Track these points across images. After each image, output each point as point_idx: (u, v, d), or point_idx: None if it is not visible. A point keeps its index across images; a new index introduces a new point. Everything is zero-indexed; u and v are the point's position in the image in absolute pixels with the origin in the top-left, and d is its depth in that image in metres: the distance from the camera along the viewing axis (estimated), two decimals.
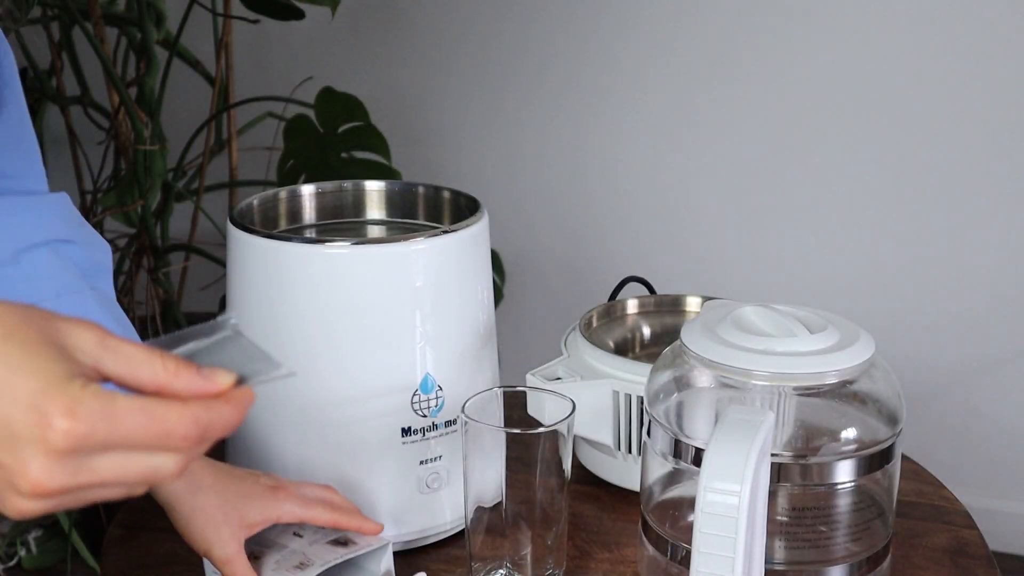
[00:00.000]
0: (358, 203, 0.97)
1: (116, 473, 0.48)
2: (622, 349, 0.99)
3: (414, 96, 2.04)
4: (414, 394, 0.83)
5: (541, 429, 0.77)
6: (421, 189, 0.97)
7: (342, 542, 0.81)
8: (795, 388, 0.73)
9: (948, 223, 1.83)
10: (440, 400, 0.84)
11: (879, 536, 0.78)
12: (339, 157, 1.63)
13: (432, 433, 0.84)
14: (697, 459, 0.72)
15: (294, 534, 0.82)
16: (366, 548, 0.80)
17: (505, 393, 0.82)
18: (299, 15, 1.59)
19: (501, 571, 0.80)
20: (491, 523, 0.79)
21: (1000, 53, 1.73)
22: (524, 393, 0.83)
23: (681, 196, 1.95)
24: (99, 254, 0.82)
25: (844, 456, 0.74)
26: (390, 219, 0.97)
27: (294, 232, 0.94)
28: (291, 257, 0.81)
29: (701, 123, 1.90)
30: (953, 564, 0.86)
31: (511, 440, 0.77)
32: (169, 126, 1.75)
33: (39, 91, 1.88)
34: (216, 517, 0.76)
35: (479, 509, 0.79)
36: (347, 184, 0.97)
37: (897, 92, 1.79)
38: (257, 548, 0.79)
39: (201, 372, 0.49)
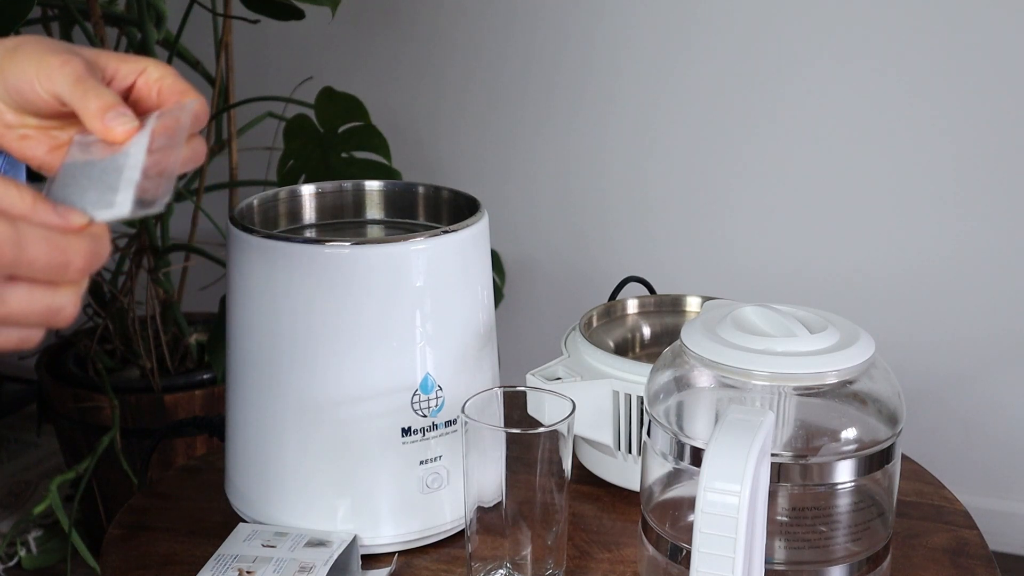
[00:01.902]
0: (358, 203, 0.97)
1: (22, 306, 0.52)
2: (622, 349, 0.99)
3: (414, 96, 2.04)
4: (414, 394, 0.83)
5: (541, 429, 0.77)
6: (421, 189, 0.97)
7: (315, 543, 0.82)
8: (795, 388, 0.73)
9: (948, 223, 1.83)
10: (440, 400, 0.84)
11: (879, 536, 0.78)
12: (339, 157, 1.63)
13: (432, 433, 0.84)
14: (697, 459, 0.72)
15: (262, 545, 0.82)
16: (342, 545, 0.82)
17: (505, 393, 0.82)
18: (299, 15, 1.59)
19: (501, 571, 0.80)
20: (491, 523, 0.79)
21: (1001, 56, 1.73)
22: (524, 393, 0.84)
23: (681, 196, 1.95)
24: None
25: (844, 456, 0.74)
26: (390, 219, 0.97)
27: (294, 232, 0.94)
28: (291, 257, 0.81)
29: (702, 124, 1.90)
30: (953, 564, 0.86)
31: (511, 440, 0.77)
32: None
33: None
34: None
35: (479, 509, 0.79)
36: (347, 184, 0.97)
37: (897, 92, 1.79)
38: (244, 566, 0.80)
39: (56, 210, 0.53)
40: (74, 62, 0.59)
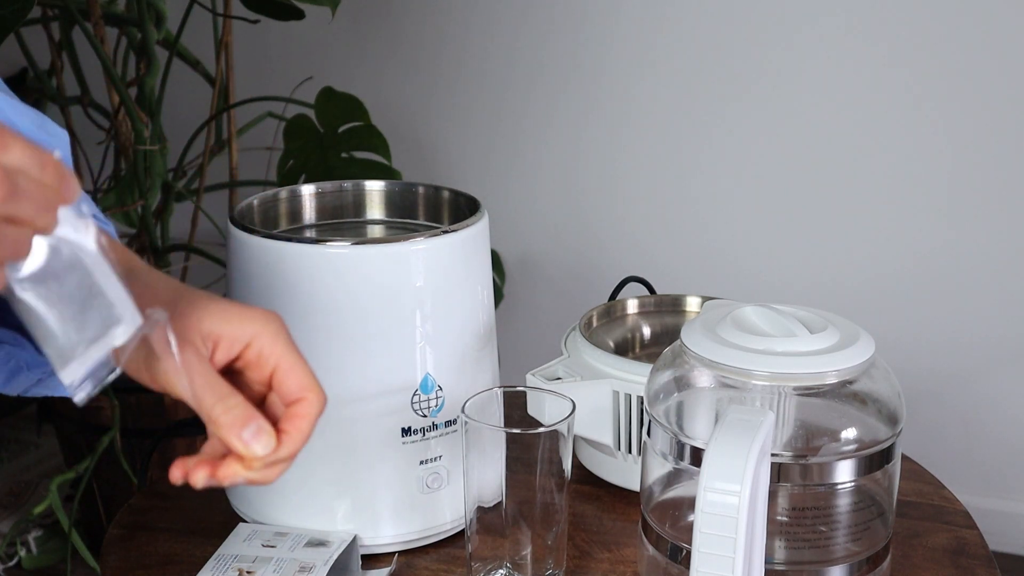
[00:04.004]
0: (358, 203, 0.97)
1: None
2: (622, 349, 0.99)
3: (414, 96, 2.04)
4: (414, 394, 0.83)
5: (541, 429, 0.77)
6: (421, 189, 0.97)
7: (315, 543, 0.82)
8: (795, 388, 0.73)
9: (949, 223, 1.83)
10: (440, 400, 0.84)
11: (879, 536, 0.78)
12: (339, 157, 1.63)
13: (432, 433, 0.84)
14: (697, 459, 0.72)
15: (262, 545, 0.82)
16: (342, 545, 0.82)
17: (505, 393, 0.82)
18: (299, 15, 1.59)
19: (501, 571, 0.80)
20: (491, 523, 0.79)
21: (1001, 57, 1.73)
22: (524, 393, 0.84)
23: (681, 196, 1.95)
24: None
25: (844, 456, 0.74)
26: (390, 219, 0.97)
27: (294, 232, 0.94)
28: (291, 257, 0.81)
29: (701, 123, 1.90)
30: (953, 564, 0.86)
31: (511, 440, 0.77)
32: (169, 126, 1.75)
33: (39, 91, 1.88)
34: None
35: (479, 509, 0.79)
36: (347, 184, 0.97)
37: (896, 92, 1.79)
38: (244, 566, 0.80)
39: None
40: (191, 363, 0.56)
